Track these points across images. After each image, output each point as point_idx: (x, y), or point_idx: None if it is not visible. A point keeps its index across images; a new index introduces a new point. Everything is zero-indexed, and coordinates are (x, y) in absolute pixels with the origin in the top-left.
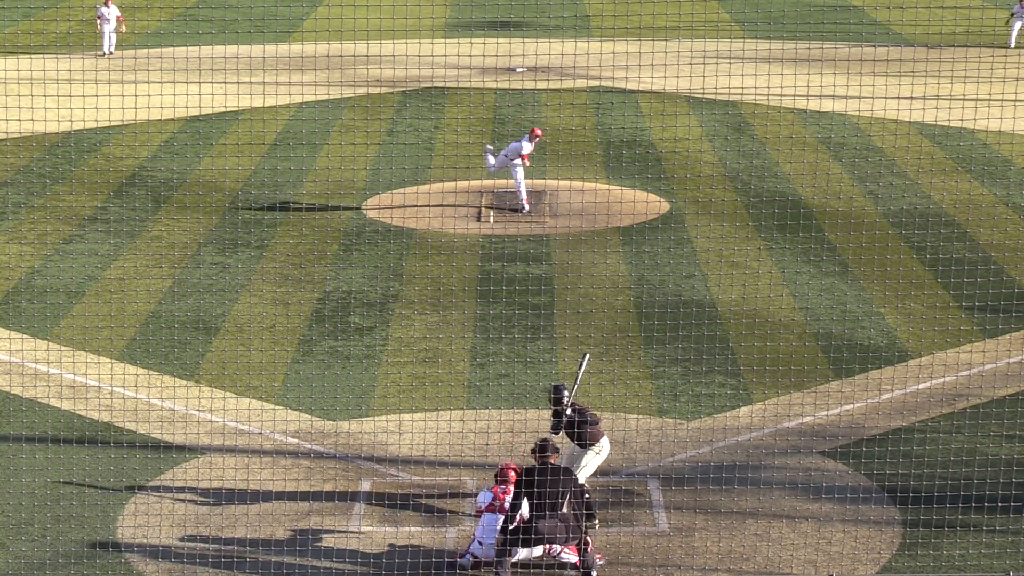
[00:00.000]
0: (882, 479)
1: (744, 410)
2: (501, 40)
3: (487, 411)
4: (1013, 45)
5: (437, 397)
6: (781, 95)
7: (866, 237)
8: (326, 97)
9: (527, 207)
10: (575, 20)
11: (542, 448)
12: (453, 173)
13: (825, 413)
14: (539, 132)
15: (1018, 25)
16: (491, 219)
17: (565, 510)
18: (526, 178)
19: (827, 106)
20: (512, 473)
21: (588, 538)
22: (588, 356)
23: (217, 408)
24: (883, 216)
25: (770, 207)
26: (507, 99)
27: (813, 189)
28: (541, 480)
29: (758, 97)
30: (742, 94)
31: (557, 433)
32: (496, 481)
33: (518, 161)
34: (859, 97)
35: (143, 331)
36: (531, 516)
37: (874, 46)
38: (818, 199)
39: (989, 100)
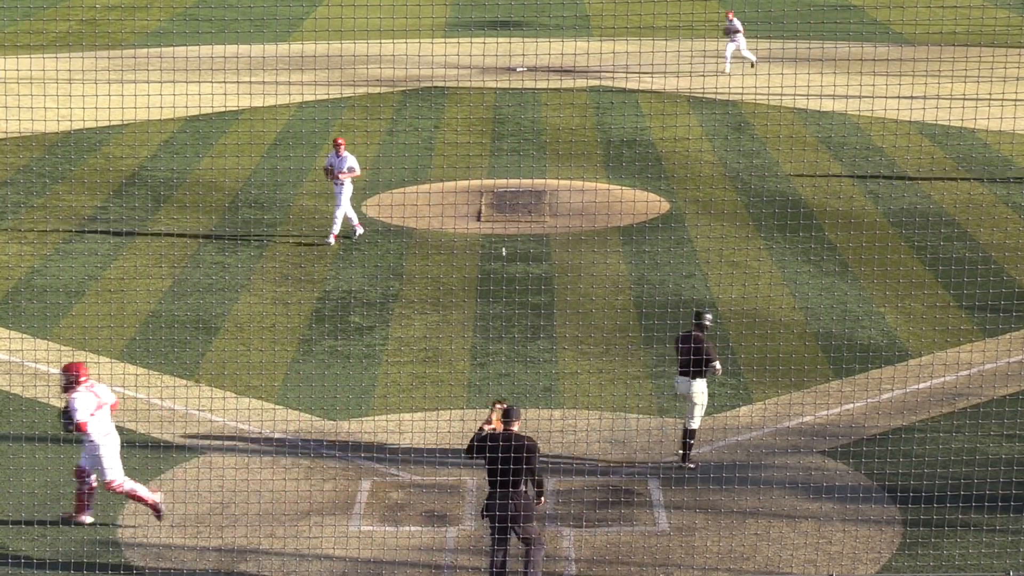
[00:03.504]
0: (882, 479)
1: (744, 410)
2: (501, 40)
3: (487, 411)
4: (728, 70)
5: (437, 397)
6: (781, 95)
7: (866, 237)
8: (326, 97)
9: (358, 231)
10: (575, 20)
11: (505, 413)
12: (453, 173)
13: (825, 413)
14: (340, 140)
15: (731, 46)
16: (483, 215)
17: (523, 488)
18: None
19: (827, 106)
20: (81, 369)
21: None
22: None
23: (217, 408)
24: (883, 216)
25: (770, 207)
26: (507, 99)
27: (813, 189)
28: (494, 447)
29: (758, 97)
30: (742, 94)
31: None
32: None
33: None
34: (859, 97)
35: (143, 331)
36: (489, 491)
37: (874, 46)
38: (818, 199)
39: (989, 100)
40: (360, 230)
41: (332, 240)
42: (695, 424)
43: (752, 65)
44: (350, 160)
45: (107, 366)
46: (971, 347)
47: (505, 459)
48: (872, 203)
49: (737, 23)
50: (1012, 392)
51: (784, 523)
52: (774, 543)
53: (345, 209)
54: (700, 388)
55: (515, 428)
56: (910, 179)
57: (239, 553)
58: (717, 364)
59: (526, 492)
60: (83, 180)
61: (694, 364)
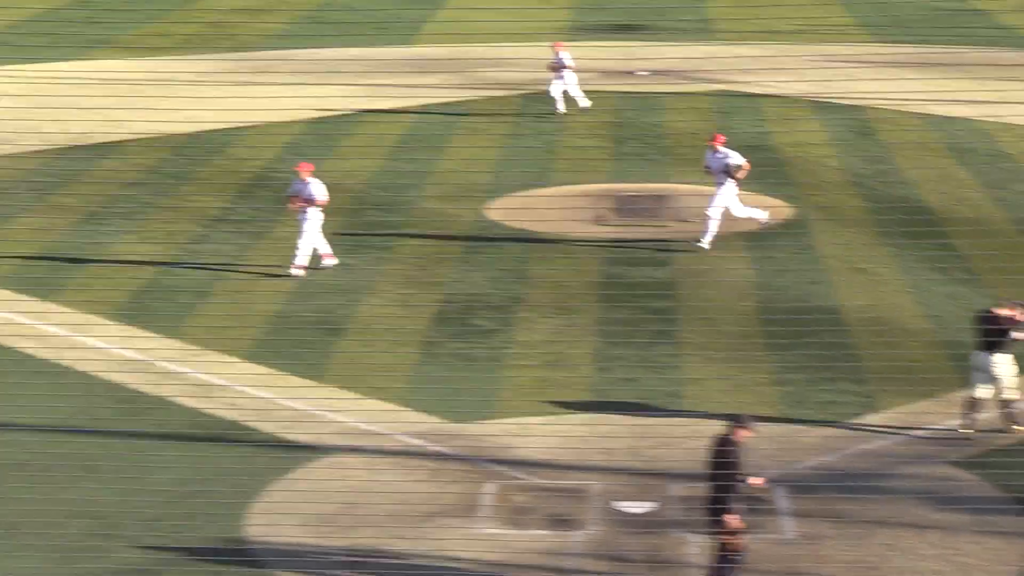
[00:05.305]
0: (1014, 490)
1: (871, 418)
2: (622, 43)
3: (612, 415)
4: (562, 109)
5: (562, 401)
6: (907, 100)
7: (994, 244)
8: (448, 99)
9: None
10: (696, 23)
11: (733, 419)
12: (575, 176)
13: (954, 422)
14: (303, 166)
15: (558, 85)
16: (608, 221)
17: (715, 493)
18: None
19: (954, 111)
20: None
21: None
22: None
23: (342, 408)
24: (1012, 223)
25: (896, 213)
26: (628, 102)
27: (940, 195)
28: (710, 448)
29: (883, 102)
30: (867, 99)
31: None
32: None
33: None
34: (987, 102)
35: (269, 331)
36: None
37: (1002, 50)
38: (945, 205)
39: None
40: (330, 261)
41: (294, 270)
42: (1008, 394)
43: (583, 111)
44: (315, 186)
45: (234, 365)
46: None
47: (708, 461)
48: (1001, 210)
49: (565, 57)
50: None
51: (913, 533)
52: (903, 553)
53: (312, 239)
54: (997, 360)
55: (738, 435)
56: None
57: (365, 553)
58: (1016, 333)
59: (719, 497)
60: (210, 181)
61: (986, 335)
